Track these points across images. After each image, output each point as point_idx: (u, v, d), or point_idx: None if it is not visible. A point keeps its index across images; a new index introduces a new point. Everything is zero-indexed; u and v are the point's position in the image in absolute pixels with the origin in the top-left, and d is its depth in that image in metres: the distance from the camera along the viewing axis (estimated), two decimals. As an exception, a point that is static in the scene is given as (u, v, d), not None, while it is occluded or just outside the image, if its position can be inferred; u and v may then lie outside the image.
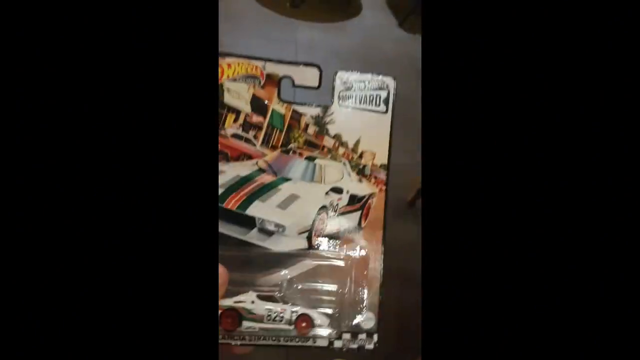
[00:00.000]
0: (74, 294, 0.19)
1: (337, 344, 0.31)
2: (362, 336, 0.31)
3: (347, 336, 0.31)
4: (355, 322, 0.31)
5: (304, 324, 0.29)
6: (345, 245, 0.32)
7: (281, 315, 0.29)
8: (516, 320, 0.20)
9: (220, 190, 0.32)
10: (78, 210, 0.20)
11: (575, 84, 0.20)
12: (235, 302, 0.29)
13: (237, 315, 0.28)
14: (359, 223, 0.32)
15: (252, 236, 0.31)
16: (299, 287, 0.31)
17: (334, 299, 0.31)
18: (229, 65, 0.31)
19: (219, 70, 0.31)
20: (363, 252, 0.32)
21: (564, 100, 0.20)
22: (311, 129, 0.32)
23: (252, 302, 0.29)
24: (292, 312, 0.29)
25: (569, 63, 0.20)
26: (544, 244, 0.20)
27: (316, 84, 0.31)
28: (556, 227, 0.20)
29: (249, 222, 0.32)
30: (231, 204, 0.32)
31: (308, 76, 0.31)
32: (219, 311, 0.28)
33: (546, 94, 0.20)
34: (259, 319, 0.29)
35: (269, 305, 0.29)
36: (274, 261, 0.31)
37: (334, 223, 0.32)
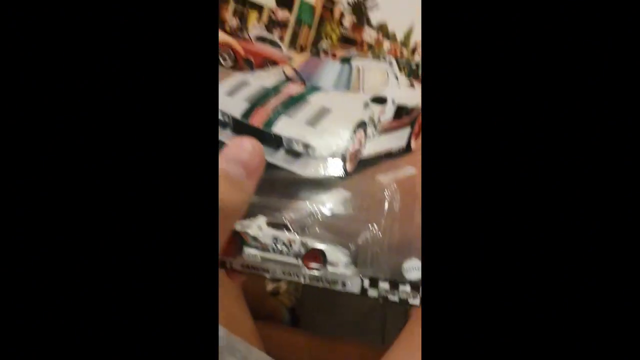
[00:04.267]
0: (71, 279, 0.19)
1: (372, 292, 0.25)
2: (406, 287, 0.24)
3: (384, 285, 0.24)
4: (396, 268, 0.24)
5: (312, 260, 0.24)
6: (388, 173, 0.25)
7: (288, 246, 0.24)
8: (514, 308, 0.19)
9: (245, 105, 0.27)
10: (77, 197, 0.19)
11: (575, 82, 0.19)
12: (241, 226, 0.25)
13: (240, 240, 0.24)
14: (408, 144, 0.24)
15: (279, 158, 0.27)
16: (325, 220, 0.25)
17: (367, 237, 0.24)
18: (247, -52, 0.25)
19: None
20: (411, 179, 0.24)
21: (564, 100, 0.19)
22: (347, 20, 0.25)
23: (259, 228, 0.24)
24: (303, 244, 0.24)
25: (568, 61, 0.19)
26: (544, 230, 0.19)
27: None
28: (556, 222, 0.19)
29: (276, 142, 0.27)
30: (257, 120, 0.27)
31: None
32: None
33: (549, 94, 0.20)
34: (263, 247, 0.24)
35: (277, 233, 0.24)
36: (300, 187, 0.26)
37: (375, 143, 0.25)
